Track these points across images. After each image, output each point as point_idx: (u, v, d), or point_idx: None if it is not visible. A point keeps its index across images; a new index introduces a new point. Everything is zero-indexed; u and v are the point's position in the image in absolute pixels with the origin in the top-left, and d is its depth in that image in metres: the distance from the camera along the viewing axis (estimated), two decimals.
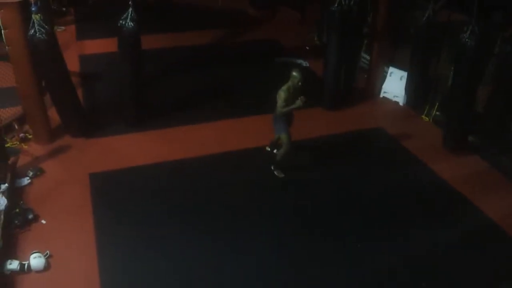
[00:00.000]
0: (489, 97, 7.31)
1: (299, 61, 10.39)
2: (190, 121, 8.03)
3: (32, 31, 6.37)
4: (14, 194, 6.08)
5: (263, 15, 12.90)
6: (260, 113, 8.32)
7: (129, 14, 6.93)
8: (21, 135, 7.23)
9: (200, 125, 8.00)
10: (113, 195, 6.35)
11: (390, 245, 5.81)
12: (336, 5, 7.80)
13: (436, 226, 6.11)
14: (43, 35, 6.41)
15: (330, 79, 8.48)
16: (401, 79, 8.78)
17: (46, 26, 6.46)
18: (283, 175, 6.77)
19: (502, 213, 6.31)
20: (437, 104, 8.29)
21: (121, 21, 6.98)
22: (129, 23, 6.95)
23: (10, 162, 6.52)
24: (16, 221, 5.67)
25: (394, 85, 8.92)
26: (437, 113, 8.30)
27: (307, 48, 11.00)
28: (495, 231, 6.06)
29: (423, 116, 8.46)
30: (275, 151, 7.03)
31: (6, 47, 6.54)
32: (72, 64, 8.93)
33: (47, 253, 5.32)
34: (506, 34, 7.96)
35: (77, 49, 10.30)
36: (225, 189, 6.56)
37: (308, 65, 10.26)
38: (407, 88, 8.68)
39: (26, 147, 7.12)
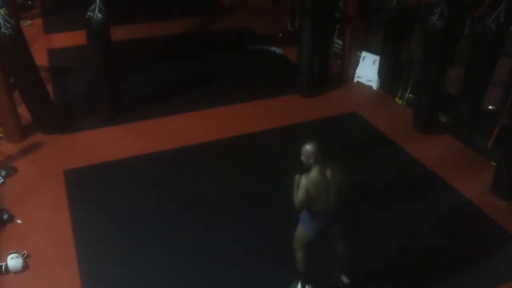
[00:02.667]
0: (462, 78, 7.44)
1: (273, 48, 10.38)
2: (166, 113, 7.95)
3: None
4: None
5: (234, 3, 12.79)
6: (236, 102, 8.32)
7: (97, 6, 6.79)
8: None
9: (175, 116, 7.93)
10: (90, 191, 6.26)
11: (370, 227, 5.86)
12: None
13: (415, 207, 6.21)
14: (9, 30, 6.22)
15: (304, 66, 8.50)
16: (374, 63, 8.87)
17: (12, 21, 6.28)
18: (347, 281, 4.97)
19: (476, 192, 6.47)
20: (410, 87, 8.39)
21: (89, 13, 6.83)
22: (97, 15, 6.81)
23: None
24: None
25: (368, 69, 9.00)
26: (410, 95, 8.40)
27: (280, 35, 10.98)
28: (471, 209, 6.23)
29: (397, 99, 8.56)
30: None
31: None
32: (41, 58, 8.73)
33: (24, 253, 5.22)
34: (476, 15, 8.09)
35: (45, 43, 10.06)
36: (205, 180, 6.52)
37: (281, 52, 10.26)
38: (380, 72, 8.78)
39: None
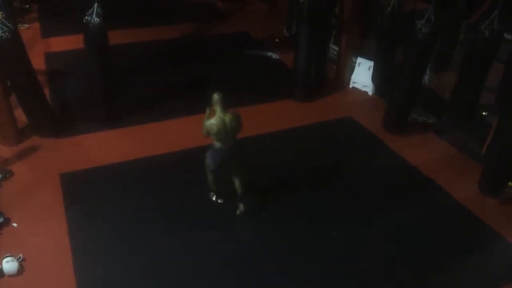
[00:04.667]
0: (456, 83, 7.50)
1: (269, 53, 10.43)
2: (163, 117, 7.97)
3: None
4: None
5: (232, 8, 12.86)
6: (232, 106, 8.29)
7: (95, 10, 6.82)
8: None
9: (172, 120, 7.95)
10: (86, 195, 6.27)
11: (364, 228, 5.96)
12: None
13: (407, 209, 6.29)
14: (6, 33, 6.24)
15: (300, 71, 8.54)
16: (369, 69, 8.93)
17: (9, 24, 6.30)
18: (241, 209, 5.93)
19: (467, 195, 6.57)
20: None
21: (86, 17, 6.86)
22: (95, 19, 6.84)
23: None
24: None
25: (363, 75, 9.05)
26: None
27: (277, 40, 11.04)
28: (463, 211, 6.31)
29: None
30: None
31: None
32: (38, 62, 8.77)
33: (20, 257, 5.23)
34: (470, 22, 8.17)
35: (43, 47, 10.07)
36: (203, 184, 6.52)
37: (278, 57, 10.31)
38: (374, 78, 8.83)
39: None
